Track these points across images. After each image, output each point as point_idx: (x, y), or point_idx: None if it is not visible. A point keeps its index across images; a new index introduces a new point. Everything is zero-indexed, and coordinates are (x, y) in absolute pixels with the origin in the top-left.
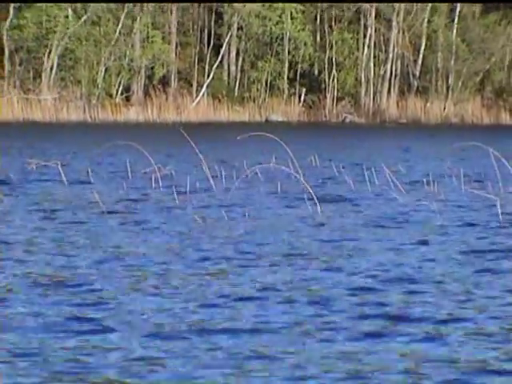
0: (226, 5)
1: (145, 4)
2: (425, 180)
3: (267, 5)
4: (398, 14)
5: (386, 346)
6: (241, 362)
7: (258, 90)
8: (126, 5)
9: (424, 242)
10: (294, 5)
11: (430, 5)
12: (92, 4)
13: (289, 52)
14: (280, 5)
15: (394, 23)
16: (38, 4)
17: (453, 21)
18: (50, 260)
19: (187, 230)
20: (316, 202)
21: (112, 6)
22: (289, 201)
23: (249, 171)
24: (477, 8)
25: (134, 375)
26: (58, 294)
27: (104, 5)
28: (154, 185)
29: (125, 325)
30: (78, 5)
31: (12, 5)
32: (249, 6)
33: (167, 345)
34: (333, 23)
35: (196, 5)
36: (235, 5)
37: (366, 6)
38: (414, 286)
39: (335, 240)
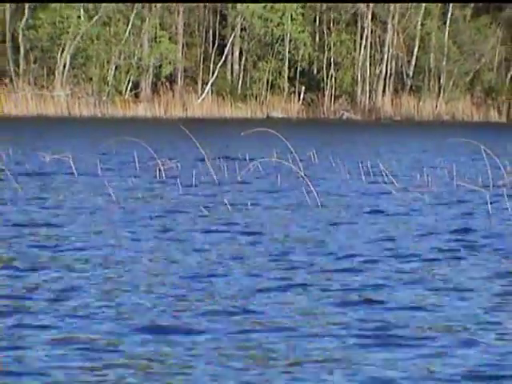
0: (229, 7)
1: (153, 5)
2: (418, 174)
3: (269, 6)
4: (393, 17)
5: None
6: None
7: (259, 88)
8: (136, 6)
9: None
10: (295, 7)
11: (423, 8)
12: (103, 5)
13: (289, 52)
14: (281, 7)
15: (389, 25)
16: (52, 5)
17: (445, 23)
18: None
19: (193, 217)
20: (315, 193)
21: (122, 6)
22: (288, 192)
23: (251, 165)
24: (468, 11)
25: None
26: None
27: (114, 6)
28: (158, 177)
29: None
30: (90, 6)
31: (27, 5)
32: (251, 7)
33: None
34: (331, 25)
35: (201, 6)
36: (238, 6)
37: (363, 8)
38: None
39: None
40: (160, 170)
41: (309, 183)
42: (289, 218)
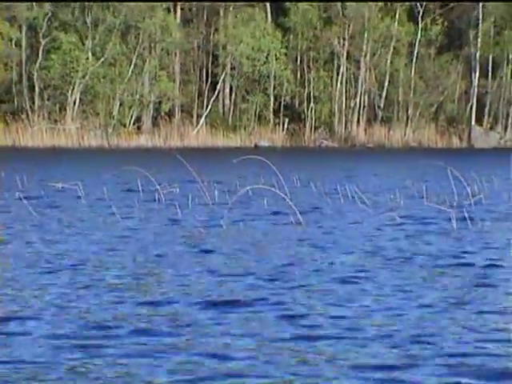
0: (221, 48)
1: (153, 48)
2: (391, 195)
3: (256, 48)
4: (365, 56)
5: None
6: None
7: (248, 119)
8: (137, 48)
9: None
10: (278, 48)
11: (392, 47)
12: (109, 47)
13: (274, 88)
14: (267, 47)
15: (362, 63)
16: (63, 47)
17: (411, 61)
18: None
19: (187, 238)
20: (298, 214)
21: (125, 49)
22: (275, 214)
23: (242, 190)
24: (432, 50)
25: None
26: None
27: (119, 48)
28: (158, 200)
29: None
30: (97, 48)
31: (41, 48)
32: (240, 49)
33: None
34: (311, 63)
35: (196, 48)
36: (228, 48)
37: (339, 48)
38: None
39: (316, 245)
40: (160, 194)
41: (292, 205)
42: (277, 234)
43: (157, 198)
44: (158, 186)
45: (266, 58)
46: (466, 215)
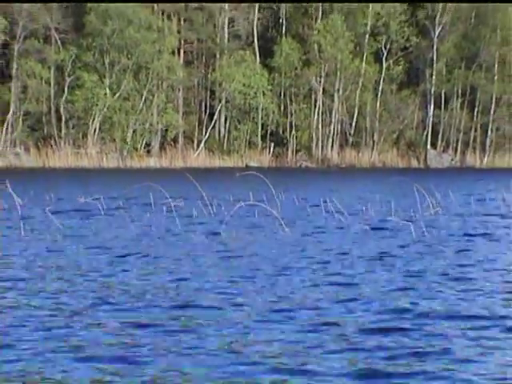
0: (217, 84)
1: (160, 85)
2: (364, 208)
3: (246, 84)
4: (338, 91)
5: None
6: None
7: (239, 144)
8: (147, 85)
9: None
10: (265, 84)
11: (360, 84)
12: (123, 84)
13: (261, 117)
14: (255, 84)
15: (336, 97)
16: (86, 85)
17: (377, 95)
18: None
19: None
20: (283, 224)
21: (137, 85)
22: (262, 224)
23: (237, 206)
24: (394, 86)
25: None
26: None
27: (132, 85)
28: (167, 212)
29: None
30: (114, 85)
31: (66, 85)
32: (233, 85)
33: None
34: (292, 97)
35: (196, 85)
36: (224, 85)
37: (316, 84)
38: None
39: (297, 250)
40: (170, 207)
41: (278, 217)
42: (264, 241)
43: (165, 210)
44: (169, 199)
45: (255, 93)
46: (424, 225)
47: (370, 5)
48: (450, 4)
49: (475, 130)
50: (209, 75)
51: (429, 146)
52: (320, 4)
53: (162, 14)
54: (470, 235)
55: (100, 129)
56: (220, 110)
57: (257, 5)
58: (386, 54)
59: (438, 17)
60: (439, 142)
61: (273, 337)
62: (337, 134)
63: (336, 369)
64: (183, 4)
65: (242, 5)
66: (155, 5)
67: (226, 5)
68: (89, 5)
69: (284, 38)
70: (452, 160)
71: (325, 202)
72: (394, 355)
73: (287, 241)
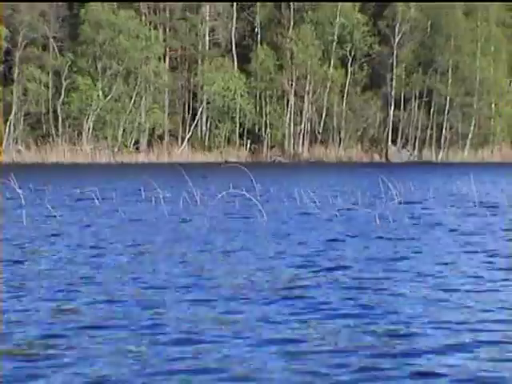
0: (199, 87)
1: (147, 87)
2: (333, 198)
3: (225, 87)
4: (308, 93)
5: None
6: None
7: (219, 141)
8: (136, 88)
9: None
10: (243, 87)
11: (328, 87)
12: (114, 87)
13: (239, 117)
14: (234, 87)
15: (306, 99)
16: (80, 87)
17: (343, 97)
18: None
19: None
20: (262, 211)
21: (127, 88)
22: (244, 211)
23: (219, 195)
24: (358, 89)
25: None
26: None
27: (122, 88)
28: (155, 202)
29: None
30: (106, 88)
31: (63, 88)
32: (213, 88)
33: None
34: (267, 99)
35: (180, 88)
36: (205, 88)
37: (288, 88)
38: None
39: (276, 234)
40: (157, 197)
41: (258, 204)
42: (244, 227)
43: (153, 199)
44: (159, 190)
45: (233, 95)
46: (389, 213)
47: (337, 16)
48: (408, 14)
49: (431, 128)
50: (191, 79)
51: (389, 143)
52: (292, 14)
53: (150, 23)
54: (423, 224)
55: (93, 128)
56: (202, 111)
57: (234, 15)
58: (350, 60)
59: (397, 26)
60: (399, 138)
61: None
62: (307, 131)
63: None
64: (168, 15)
65: (221, 15)
66: (143, 15)
67: (207, 16)
68: (83, 15)
69: (259, 45)
70: (410, 155)
71: (299, 193)
72: None
73: (265, 227)
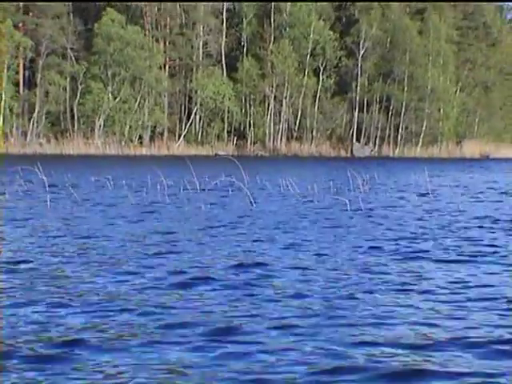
0: (194, 92)
1: (150, 91)
2: (309, 187)
3: (216, 92)
4: (286, 98)
5: None
6: None
7: (211, 138)
8: (140, 92)
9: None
10: (231, 92)
11: (303, 93)
12: (122, 90)
13: (227, 117)
14: (223, 92)
15: (284, 103)
16: (94, 91)
17: (315, 101)
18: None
19: (182, 212)
20: (250, 197)
21: (133, 92)
22: (235, 197)
23: (213, 182)
24: (328, 94)
25: None
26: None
27: (129, 91)
28: (160, 189)
29: None
30: (115, 91)
31: (79, 91)
32: (206, 92)
33: None
34: (251, 102)
35: (178, 92)
36: (199, 92)
37: (269, 93)
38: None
39: (265, 218)
40: (162, 185)
41: (247, 192)
42: (237, 210)
43: (159, 188)
44: (162, 178)
45: (222, 98)
46: (360, 200)
47: (311, 33)
48: (370, 32)
49: (389, 128)
50: (187, 85)
51: (354, 140)
52: (273, 31)
53: (152, 37)
54: (386, 207)
55: (104, 125)
56: (196, 111)
57: (224, 31)
58: (322, 70)
59: (361, 42)
60: (362, 136)
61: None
62: (284, 130)
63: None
64: (168, 30)
65: (213, 31)
66: (147, 31)
67: (201, 31)
68: (96, 30)
69: (245, 57)
70: (372, 151)
71: (280, 183)
72: None
73: (252, 211)
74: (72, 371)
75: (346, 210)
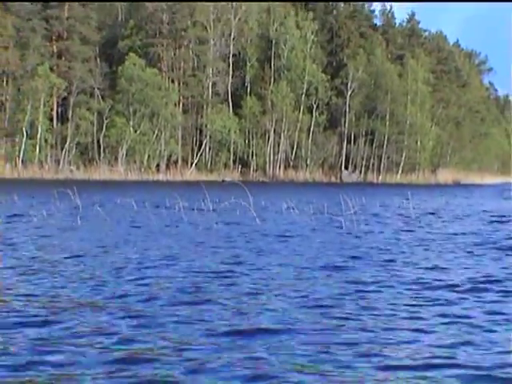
0: (204, 126)
1: (166, 125)
2: (307, 207)
3: (223, 126)
4: (284, 131)
5: None
6: None
7: (219, 166)
8: (158, 125)
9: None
10: (236, 126)
11: (298, 127)
12: (142, 124)
13: (233, 148)
14: (229, 126)
15: (282, 135)
16: (118, 124)
17: (309, 135)
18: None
19: (194, 230)
20: (255, 216)
21: (151, 125)
22: (241, 216)
23: (223, 204)
24: (321, 127)
25: None
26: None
27: (148, 125)
28: (177, 208)
29: None
30: (136, 125)
31: (104, 125)
32: (215, 126)
33: None
34: (254, 135)
35: (190, 125)
36: (208, 126)
37: (269, 127)
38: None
39: (269, 230)
40: (179, 204)
41: (253, 212)
42: (242, 228)
43: (177, 208)
44: (179, 201)
45: (229, 132)
46: (354, 218)
47: (306, 75)
48: (357, 75)
49: (373, 158)
50: (198, 120)
51: (343, 168)
52: (273, 73)
53: (168, 78)
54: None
55: (126, 154)
56: (206, 143)
57: (230, 73)
58: (315, 107)
59: (349, 83)
60: (350, 165)
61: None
62: (282, 159)
63: None
64: (182, 72)
65: (221, 73)
66: (163, 72)
67: (211, 73)
68: (120, 72)
69: (248, 96)
70: (358, 177)
71: (284, 204)
72: None
73: (260, 228)
74: None
75: (341, 228)
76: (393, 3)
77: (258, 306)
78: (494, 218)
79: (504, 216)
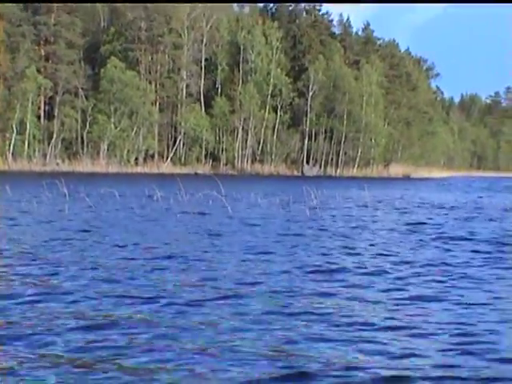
0: (178, 124)
1: (144, 122)
2: (278, 200)
3: (196, 124)
4: (251, 128)
5: None
6: None
7: (192, 159)
8: (136, 123)
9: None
10: (207, 124)
11: (264, 125)
12: (122, 121)
13: (204, 144)
14: (202, 124)
15: (249, 132)
16: (100, 121)
17: (274, 132)
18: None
19: (173, 220)
20: (227, 205)
21: (130, 123)
22: (215, 205)
23: (198, 195)
24: (285, 125)
25: None
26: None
27: (127, 122)
28: (156, 199)
29: None
30: (116, 122)
31: (87, 122)
32: (188, 124)
33: None
34: (223, 132)
35: (166, 123)
36: (182, 124)
37: (238, 125)
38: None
39: (239, 223)
40: (156, 196)
41: (225, 202)
42: (215, 218)
43: (155, 198)
44: (157, 191)
45: (201, 129)
46: (316, 206)
47: (271, 78)
48: (317, 78)
49: (332, 154)
50: (173, 118)
51: (304, 163)
52: (241, 76)
53: (146, 80)
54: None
55: (107, 149)
56: (180, 139)
57: (203, 75)
58: (279, 107)
59: (310, 85)
60: (311, 160)
61: None
62: (249, 154)
63: None
64: (159, 74)
65: (194, 75)
66: (142, 74)
67: (184, 75)
68: (102, 73)
69: (219, 96)
70: (318, 171)
71: (250, 194)
72: None
73: (230, 215)
74: None
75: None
76: (349, 13)
77: None
78: (426, 207)
79: (438, 205)
